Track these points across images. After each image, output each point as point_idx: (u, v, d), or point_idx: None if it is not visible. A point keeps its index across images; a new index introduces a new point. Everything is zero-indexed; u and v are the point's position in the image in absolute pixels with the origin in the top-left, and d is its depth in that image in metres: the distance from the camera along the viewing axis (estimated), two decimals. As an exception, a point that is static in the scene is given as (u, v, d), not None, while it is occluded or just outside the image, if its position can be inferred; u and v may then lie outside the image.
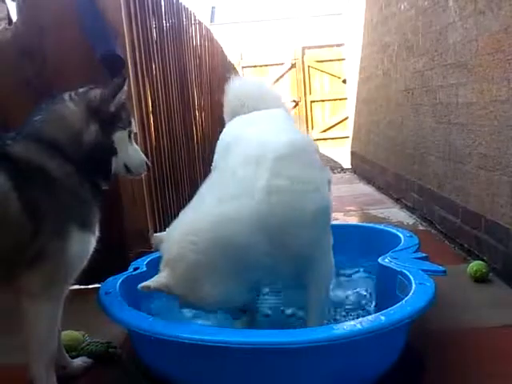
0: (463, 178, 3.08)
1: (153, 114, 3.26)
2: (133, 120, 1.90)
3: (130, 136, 1.87)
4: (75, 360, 1.99)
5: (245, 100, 2.28)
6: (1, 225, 1.57)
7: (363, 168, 6.45)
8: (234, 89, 2.37)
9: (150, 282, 1.68)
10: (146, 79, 3.14)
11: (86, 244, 1.74)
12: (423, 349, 1.91)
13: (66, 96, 1.79)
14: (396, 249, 2.21)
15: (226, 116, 2.39)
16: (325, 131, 11.84)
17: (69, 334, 2.04)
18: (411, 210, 4.25)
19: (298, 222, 1.74)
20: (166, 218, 3.31)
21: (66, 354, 1.96)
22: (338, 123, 11.52)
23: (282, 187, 1.74)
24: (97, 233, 1.79)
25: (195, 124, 4.83)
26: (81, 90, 1.83)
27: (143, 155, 1.97)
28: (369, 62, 5.84)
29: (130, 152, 1.88)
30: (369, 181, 6.01)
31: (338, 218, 4.26)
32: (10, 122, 2.66)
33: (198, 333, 1.64)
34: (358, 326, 1.55)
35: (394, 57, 4.63)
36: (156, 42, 3.50)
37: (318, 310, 1.91)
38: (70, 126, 1.75)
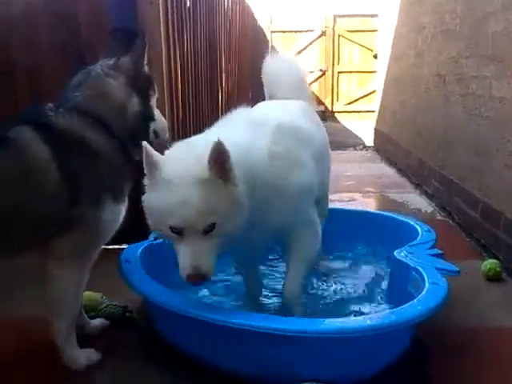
0: (487, 174, 3.07)
1: (181, 84, 3.27)
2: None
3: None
4: (93, 320, 2.08)
5: (275, 88, 2.47)
6: (38, 193, 1.63)
7: (386, 148, 6.40)
8: (269, 73, 2.53)
9: None
10: (176, 46, 3.14)
11: (117, 215, 1.81)
12: (429, 344, 1.95)
13: (99, 69, 1.83)
14: (413, 243, 2.23)
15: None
16: (350, 104, 11.70)
17: (88, 295, 2.11)
18: (430, 197, 4.24)
19: (285, 192, 1.81)
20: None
21: (85, 314, 2.04)
22: (364, 96, 11.34)
23: (281, 154, 1.84)
24: (126, 203, 1.85)
25: (221, 91, 4.82)
26: (109, 62, 1.86)
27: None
28: (402, 40, 5.72)
29: (157, 116, 1.96)
30: (390, 162, 5.97)
31: (356, 199, 4.29)
32: (42, 83, 2.72)
33: (213, 312, 1.70)
34: (368, 321, 1.60)
35: (429, 39, 4.53)
36: (188, 7, 3.49)
37: (294, 280, 1.96)
38: (113, 101, 1.81)
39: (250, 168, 1.70)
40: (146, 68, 1.91)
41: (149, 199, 1.64)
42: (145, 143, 1.61)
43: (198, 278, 1.60)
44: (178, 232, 1.59)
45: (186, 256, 1.59)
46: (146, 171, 1.63)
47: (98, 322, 2.08)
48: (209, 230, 1.58)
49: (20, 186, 1.61)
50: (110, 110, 1.79)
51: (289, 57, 2.88)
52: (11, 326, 2.11)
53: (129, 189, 1.85)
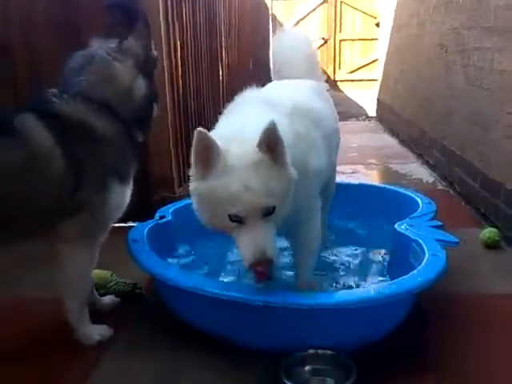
0: (487, 145, 3.09)
1: (181, 60, 3.27)
2: None
3: None
4: (104, 298, 2.14)
5: (286, 66, 2.41)
6: (43, 179, 1.65)
7: (388, 118, 6.40)
8: (279, 51, 2.49)
9: None
10: (175, 20, 3.13)
11: (123, 197, 1.84)
12: (428, 310, 2.01)
13: (104, 53, 1.81)
14: (413, 215, 2.28)
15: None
16: (352, 72, 11.62)
17: (98, 273, 2.15)
18: (432, 167, 4.28)
19: (305, 175, 1.76)
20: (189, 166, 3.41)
21: (96, 292, 2.10)
22: (367, 65, 11.27)
23: (303, 136, 1.83)
24: (131, 185, 1.89)
25: (222, 65, 4.81)
26: (112, 45, 1.83)
27: None
28: (404, 9, 5.67)
29: None
30: (393, 132, 5.98)
31: (359, 171, 4.32)
32: (40, 59, 2.74)
33: (219, 287, 1.77)
34: (372, 292, 1.66)
35: (431, 9, 4.50)
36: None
37: (306, 272, 1.99)
38: (120, 85, 1.81)
39: None
40: (154, 51, 1.90)
41: (204, 189, 1.61)
42: (200, 129, 1.58)
43: (266, 264, 1.58)
44: (238, 220, 1.57)
45: (251, 243, 1.57)
46: (194, 159, 1.61)
47: (108, 299, 2.14)
48: (269, 213, 1.58)
49: (25, 174, 1.63)
50: (116, 95, 1.79)
51: (299, 33, 2.63)
52: (19, 308, 2.16)
53: (134, 170, 1.89)
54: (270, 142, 1.56)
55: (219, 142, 1.58)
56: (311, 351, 1.67)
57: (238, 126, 1.69)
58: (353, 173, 4.26)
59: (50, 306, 1.91)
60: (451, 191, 3.68)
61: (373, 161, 4.72)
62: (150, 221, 2.28)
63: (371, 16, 10.69)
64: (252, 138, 1.58)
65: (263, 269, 1.61)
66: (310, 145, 1.88)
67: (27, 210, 1.64)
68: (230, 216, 1.57)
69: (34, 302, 2.16)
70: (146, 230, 2.16)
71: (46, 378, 1.73)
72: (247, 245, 1.58)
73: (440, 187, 3.83)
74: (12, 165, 1.61)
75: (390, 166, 4.53)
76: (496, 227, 2.78)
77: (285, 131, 1.66)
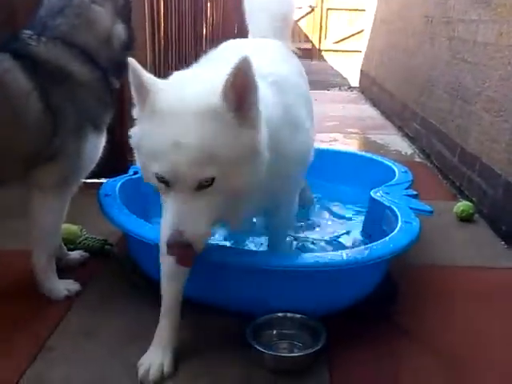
0: (467, 118, 3.09)
1: (164, 11, 3.19)
2: None
3: None
4: (72, 253, 2.11)
5: (254, 23, 2.19)
6: (20, 123, 1.61)
7: (371, 90, 6.37)
8: (249, 6, 2.23)
9: None
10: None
11: (97, 146, 1.81)
12: (399, 281, 2.02)
13: None
14: (389, 183, 2.28)
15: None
16: (338, 42, 11.51)
17: (67, 228, 2.13)
18: (411, 140, 4.28)
19: (287, 152, 1.49)
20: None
21: (64, 247, 2.07)
22: (353, 35, 11.15)
23: (289, 107, 1.56)
24: (105, 134, 1.85)
25: (206, 22, 4.72)
26: None
27: None
28: (393, -22, 5.59)
29: None
30: (375, 104, 5.96)
31: (338, 140, 4.31)
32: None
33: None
34: (344, 256, 1.65)
35: (420, -22, 4.44)
36: None
37: (277, 250, 1.92)
38: (100, 30, 1.76)
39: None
40: None
41: (135, 135, 1.30)
42: (133, 60, 1.25)
43: (181, 248, 1.23)
44: (166, 182, 1.23)
45: (171, 218, 1.23)
46: (134, 98, 1.29)
47: (77, 254, 2.11)
48: (204, 185, 1.22)
49: (2, 116, 1.58)
50: (96, 40, 1.74)
51: None
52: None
53: (109, 119, 1.84)
54: (238, 85, 1.17)
55: (171, 80, 1.27)
56: (279, 314, 1.66)
57: (203, 71, 1.41)
58: (332, 141, 4.24)
59: (21, 258, 1.87)
60: (428, 164, 3.69)
61: (352, 130, 4.70)
62: (123, 175, 2.23)
63: (359, -15, 10.55)
64: (210, 79, 1.22)
65: (180, 254, 1.28)
66: (296, 124, 1.60)
67: (3, 154, 1.60)
68: (156, 175, 1.24)
69: (4, 254, 2.11)
70: (119, 184, 2.12)
71: (10, 328, 1.70)
72: (166, 220, 1.25)
73: (418, 160, 3.84)
74: None
75: (369, 136, 4.52)
76: (471, 201, 2.80)
77: (268, 104, 1.34)
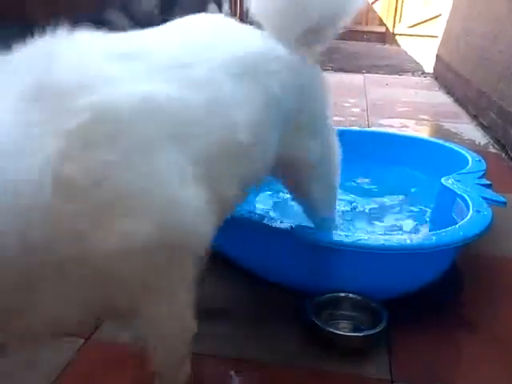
0: (549, 108, 2.95)
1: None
2: None
3: None
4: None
5: None
6: None
7: (445, 76, 6.15)
8: None
9: None
10: None
11: None
12: (466, 271, 1.98)
13: None
14: (461, 171, 2.22)
15: None
16: (413, 26, 11.15)
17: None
18: (486, 129, 4.12)
19: None
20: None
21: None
22: (429, 20, 10.76)
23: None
24: None
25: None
26: None
27: None
28: (477, -40, 5.34)
29: None
30: (449, 91, 5.76)
31: (409, 126, 4.21)
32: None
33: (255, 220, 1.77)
34: (408, 241, 1.64)
35: (507, -40, 4.22)
36: None
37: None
38: None
39: None
40: None
41: None
42: None
43: None
44: None
45: None
46: None
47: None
48: None
49: None
50: None
51: None
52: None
53: None
54: None
55: None
56: (342, 294, 1.67)
57: None
58: (402, 127, 4.15)
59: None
60: (503, 155, 3.55)
61: (424, 117, 4.57)
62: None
63: (439, -32, 10.16)
64: None
65: None
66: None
67: None
68: None
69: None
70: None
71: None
72: None
73: (492, 150, 3.69)
74: None
75: (442, 124, 4.38)
76: (546, 195, 2.67)
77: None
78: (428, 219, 2.25)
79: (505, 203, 1.96)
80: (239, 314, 1.69)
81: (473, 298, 1.86)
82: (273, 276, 1.79)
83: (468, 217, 1.78)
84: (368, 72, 6.81)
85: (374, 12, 11.21)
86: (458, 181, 2.09)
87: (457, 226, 1.73)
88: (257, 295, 1.78)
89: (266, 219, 1.75)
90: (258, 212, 2.01)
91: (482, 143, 3.87)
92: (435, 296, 1.78)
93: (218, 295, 1.69)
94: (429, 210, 2.30)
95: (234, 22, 1.33)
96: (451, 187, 2.04)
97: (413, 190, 2.52)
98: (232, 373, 1.46)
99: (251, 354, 1.53)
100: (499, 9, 4.27)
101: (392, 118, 4.37)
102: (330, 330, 1.55)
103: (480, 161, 2.35)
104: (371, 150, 2.66)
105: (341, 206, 2.24)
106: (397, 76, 6.63)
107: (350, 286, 1.67)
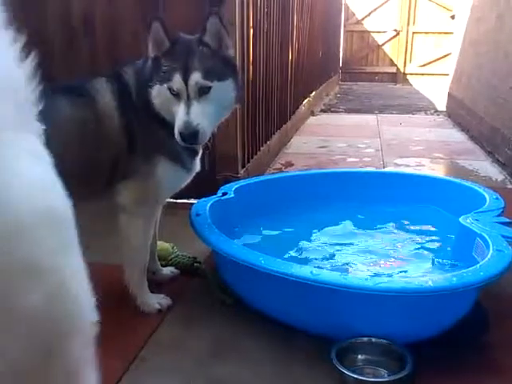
0: None
1: (253, 44, 3.29)
2: None
3: None
4: (164, 268, 2.22)
5: None
6: (104, 136, 1.78)
7: (458, 113, 6.20)
8: None
9: None
10: (250, 8, 3.16)
11: (173, 174, 1.88)
12: (490, 310, 1.95)
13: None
14: (479, 210, 2.21)
15: None
16: (423, 66, 11.30)
17: (160, 245, 2.25)
18: (502, 165, 4.12)
19: None
20: (253, 146, 3.46)
21: (158, 262, 2.19)
22: (439, 59, 10.91)
23: None
24: (194, 169, 1.94)
25: (292, 53, 4.80)
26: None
27: None
28: (482, 1, 5.45)
29: None
30: (462, 128, 5.79)
31: (425, 165, 4.22)
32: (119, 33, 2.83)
33: (278, 265, 1.77)
34: (430, 283, 1.63)
35: (511, 1, 4.32)
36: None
37: None
38: None
39: None
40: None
41: None
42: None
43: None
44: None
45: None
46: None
47: (168, 270, 2.22)
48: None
49: (91, 125, 1.78)
50: None
51: None
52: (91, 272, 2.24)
53: (193, 155, 1.91)
54: None
55: None
56: (365, 339, 1.66)
57: None
58: (417, 166, 4.17)
59: (116, 271, 1.98)
60: (521, 191, 3.54)
61: (439, 155, 4.59)
62: (213, 196, 2.33)
63: (446, 8, 10.35)
64: None
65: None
66: None
67: (88, 164, 1.76)
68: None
69: (107, 268, 2.24)
70: (209, 205, 2.21)
71: (108, 338, 1.80)
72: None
73: (510, 186, 3.68)
74: (81, 117, 1.78)
75: (457, 161, 4.39)
76: None
77: None
78: (448, 259, 2.23)
79: (525, 240, 1.94)
80: (264, 358, 1.68)
81: (501, 340, 1.82)
82: (295, 322, 1.79)
83: (488, 256, 1.77)
84: (381, 112, 6.89)
85: (385, 53, 11.40)
86: (477, 220, 2.08)
87: (477, 265, 1.71)
88: (281, 340, 1.78)
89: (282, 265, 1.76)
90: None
91: (499, 179, 3.86)
92: (461, 336, 1.75)
93: (241, 337, 1.68)
94: (448, 249, 2.29)
95: None
96: (470, 226, 2.04)
97: (432, 229, 2.51)
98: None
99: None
100: (508, 46, 4.33)
101: (407, 157, 4.40)
102: (355, 376, 1.53)
103: (498, 198, 2.35)
104: (384, 191, 2.70)
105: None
106: (410, 115, 6.70)
107: (371, 330, 1.65)
